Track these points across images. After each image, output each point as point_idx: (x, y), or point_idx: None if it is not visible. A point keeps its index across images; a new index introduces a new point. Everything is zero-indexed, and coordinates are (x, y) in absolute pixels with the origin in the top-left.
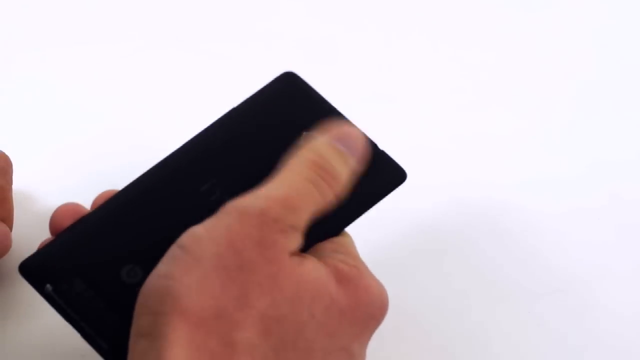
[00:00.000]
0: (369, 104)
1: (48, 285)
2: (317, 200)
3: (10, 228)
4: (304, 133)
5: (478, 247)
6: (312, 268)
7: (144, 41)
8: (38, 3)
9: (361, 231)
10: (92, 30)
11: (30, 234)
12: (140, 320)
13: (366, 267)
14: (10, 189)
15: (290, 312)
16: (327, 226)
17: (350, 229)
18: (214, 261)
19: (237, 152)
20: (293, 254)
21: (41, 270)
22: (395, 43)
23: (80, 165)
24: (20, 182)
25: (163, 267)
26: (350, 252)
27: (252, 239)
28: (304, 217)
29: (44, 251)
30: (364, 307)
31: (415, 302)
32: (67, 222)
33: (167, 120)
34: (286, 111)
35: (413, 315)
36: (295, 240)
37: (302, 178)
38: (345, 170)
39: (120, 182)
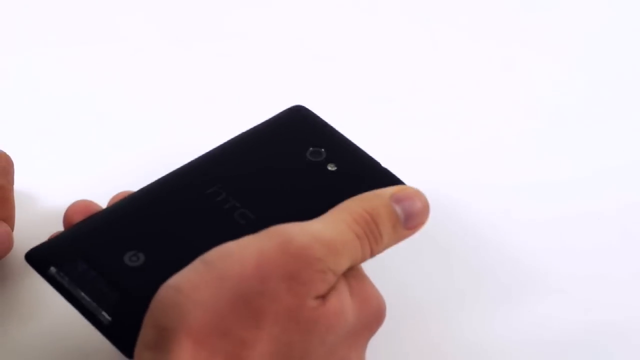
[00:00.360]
0: (367, 105)
1: (52, 268)
2: (357, 256)
3: (12, 228)
4: (311, 148)
5: (478, 247)
6: (334, 301)
7: (141, 40)
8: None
9: None
10: (93, 29)
11: (31, 234)
12: (146, 331)
13: (366, 275)
14: (11, 189)
15: (301, 339)
16: None
17: None
18: (233, 281)
19: (243, 166)
20: (321, 296)
21: (45, 255)
22: (394, 44)
23: (82, 165)
24: (21, 182)
25: (178, 278)
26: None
27: (285, 269)
28: (342, 265)
29: (50, 240)
30: (365, 318)
31: (415, 302)
32: (79, 218)
33: (172, 122)
34: (294, 136)
35: (413, 315)
36: (329, 284)
37: (350, 230)
38: (390, 238)
39: (123, 180)
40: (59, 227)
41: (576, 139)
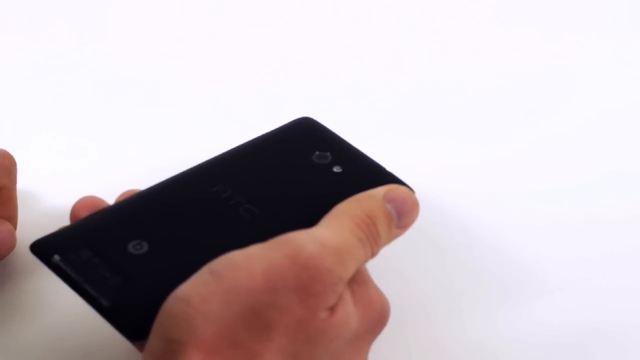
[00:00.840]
0: (369, 110)
1: (56, 256)
2: (361, 260)
3: (15, 227)
4: (317, 152)
5: (480, 250)
6: (341, 312)
7: (147, 45)
8: None
9: None
10: (98, 30)
11: (34, 233)
12: (154, 342)
13: (370, 277)
14: (14, 189)
15: (307, 349)
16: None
17: None
18: (242, 293)
19: (249, 167)
20: (330, 307)
21: (50, 244)
22: (396, 49)
23: (84, 165)
24: (24, 182)
25: (186, 289)
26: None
27: (296, 280)
28: (350, 272)
29: (55, 232)
30: (368, 322)
31: (415, 302)
32: (85, 213)
33: (177, 125)
34: (300, 141)
35: (413, 315)
36: (338, 295)
37: (354, 235)
38: (386, 238)
39: (127, 181)
40: (62, 226)
41: (577, 145)
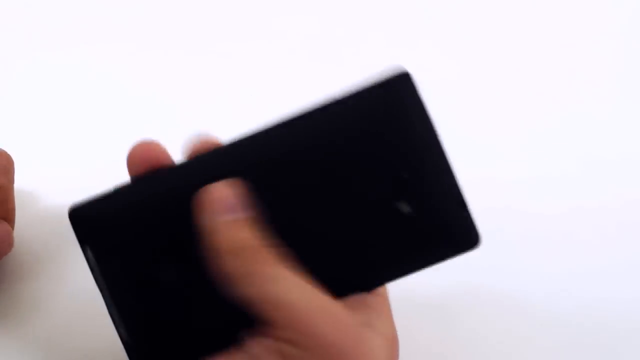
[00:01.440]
0: None
1: (89, 252)
2: None
3: (12, 227)
4: (393, 175)
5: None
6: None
7: (140, 39)
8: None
9: None
10: (96, 29)
11: (32, 233)
12: None
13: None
14: (12, 188)
15: None
16: (363, 280)
17: None
18: None
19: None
20: None
21: (90, 223)
22: (391, 39)
23: (83, 164)
24: (22, 181)
25: None
26: (386, 312)
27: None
28: None
29: (102, 205)
30: None
31: (417, 301)
32: (143, 166)
33: (170, 121)
34: (379, 147)
35: (416, 315)
36: None
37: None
38: None
39: (123, 180)
40: (60, 227)
41: (575, 135)
